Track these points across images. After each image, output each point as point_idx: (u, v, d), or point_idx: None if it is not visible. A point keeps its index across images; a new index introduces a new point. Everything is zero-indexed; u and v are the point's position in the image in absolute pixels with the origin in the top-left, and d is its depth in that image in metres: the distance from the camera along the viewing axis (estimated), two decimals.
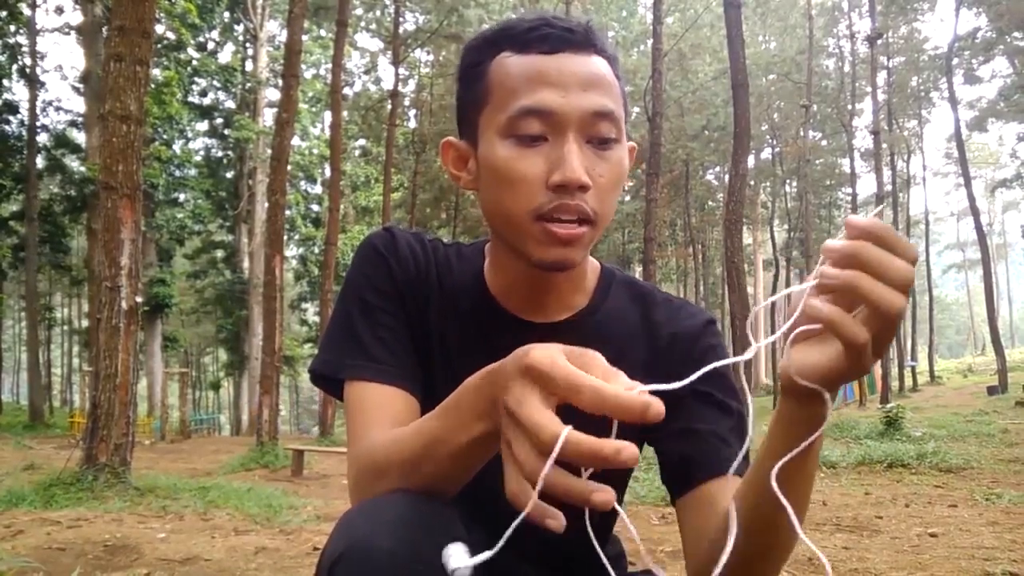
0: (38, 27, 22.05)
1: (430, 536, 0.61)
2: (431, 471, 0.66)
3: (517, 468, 0.50)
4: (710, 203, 32.23)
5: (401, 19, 21.75)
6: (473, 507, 0.73)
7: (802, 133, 26.15)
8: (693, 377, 0.53)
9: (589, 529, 0.57)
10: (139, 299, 5.95)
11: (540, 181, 0.75)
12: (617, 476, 0.91)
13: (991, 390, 20.90)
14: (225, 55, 28.05)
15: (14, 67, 21.32)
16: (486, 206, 0.82)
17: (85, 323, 28.83)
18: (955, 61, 24.82)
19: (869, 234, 0.52)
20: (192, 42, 23.32)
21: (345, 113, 21.84)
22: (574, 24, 0.79)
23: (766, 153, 32.20)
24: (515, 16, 0.84)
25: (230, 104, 27.38)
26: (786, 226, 31.60)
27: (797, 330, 0.56)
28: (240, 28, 27.83)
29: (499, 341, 0.85)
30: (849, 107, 26.68)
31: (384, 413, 0.78)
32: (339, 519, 0.66)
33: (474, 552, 0.55)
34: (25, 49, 21.55)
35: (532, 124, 0.75)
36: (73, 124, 23.56)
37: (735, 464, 0.71)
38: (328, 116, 23.00)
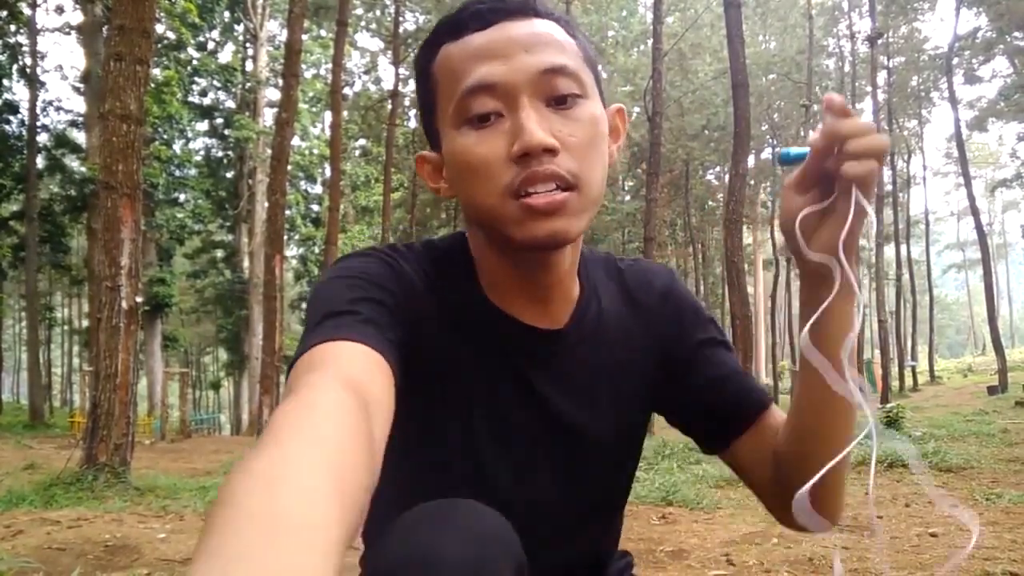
0: (38, 27, 22.03)
1: (495, 547, 0.59)
2: None
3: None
4: (710, 203, 32.18)
5: (401, 19, 21.74)
6: None
7: (802, 133, 26.14)
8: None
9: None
10: (139, 299, 5.95)
11: (503, 158, 0.68)
12: (627, 457, 0.90)
13: (991, 390, 20.88)
14: (225, 55, 28.06)
15: (14, 67, 21.31)
16: (463, 205, 0.75)
17: (85, 323, 28.82)
18: (955, 61, 24.80)
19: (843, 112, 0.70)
20: (192, 42, 23.30)
21: (345, 113, 21.83)
22: None
23: (766, 153, 32.18)
24: None
25: (230, 104, 27.38)
26: None
27: (803, 213, 0.70)
28: (240, 28, 27.83)
29: (501, 345, 0.80)
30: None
31: (344, 361, 0.61)
32: (393, 524, 0.60)
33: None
34: (25, 49, 21.53)
35: (481, 102, 0.69)
36: (73, 124, 23.53)
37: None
38: (328, 116, 23.01)
